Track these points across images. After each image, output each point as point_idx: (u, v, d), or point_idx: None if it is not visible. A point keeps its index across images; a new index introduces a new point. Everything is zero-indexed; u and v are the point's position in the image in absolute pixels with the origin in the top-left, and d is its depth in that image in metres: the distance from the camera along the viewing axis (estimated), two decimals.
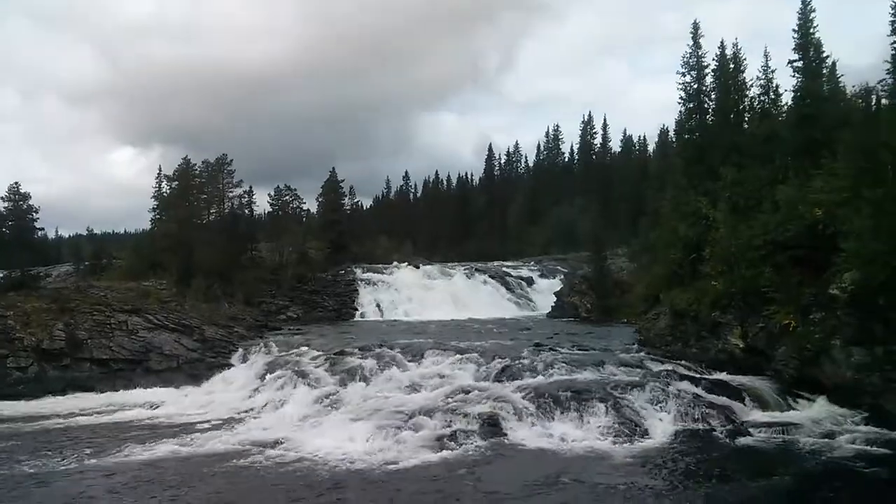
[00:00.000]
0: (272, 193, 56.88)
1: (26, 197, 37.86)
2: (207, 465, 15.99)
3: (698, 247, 25.39)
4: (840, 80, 27.80)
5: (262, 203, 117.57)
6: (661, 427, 17.79)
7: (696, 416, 18.23)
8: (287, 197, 56.80)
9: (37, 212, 38.10)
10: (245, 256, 49.92)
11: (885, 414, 17.27)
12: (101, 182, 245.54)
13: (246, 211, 52.97)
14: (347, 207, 62.72)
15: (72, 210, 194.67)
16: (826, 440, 16.35)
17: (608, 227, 63.51)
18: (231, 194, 50.94)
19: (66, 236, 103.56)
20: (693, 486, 13.65)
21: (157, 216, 51.93)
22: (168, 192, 51.18)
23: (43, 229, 42.05)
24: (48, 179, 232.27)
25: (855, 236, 17.66)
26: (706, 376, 21.20)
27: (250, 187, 53.25)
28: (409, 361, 24.58)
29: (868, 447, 15.69)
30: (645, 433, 17.45)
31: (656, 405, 18.78)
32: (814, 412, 18.58)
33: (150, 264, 47.95)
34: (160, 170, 53.92)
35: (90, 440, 18.74)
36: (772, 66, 26.76)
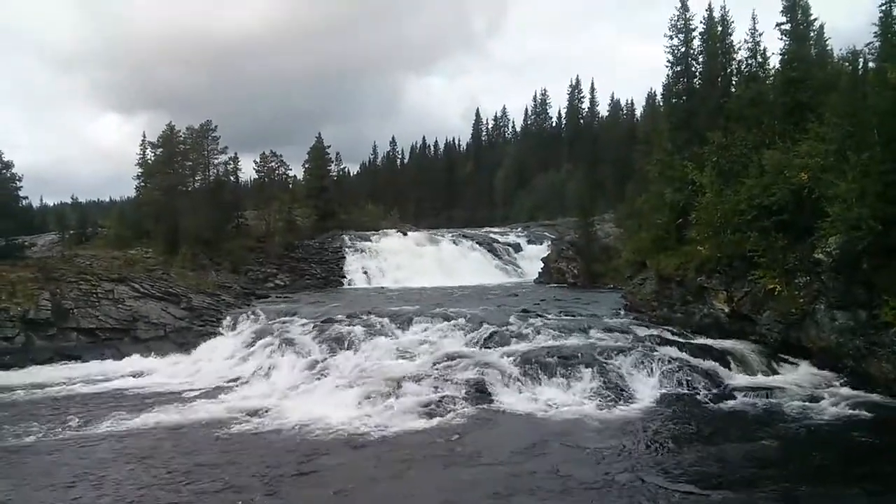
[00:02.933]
0: (258, 160, 56.36)
1: (9, 165, 37.18)
2: (195, 433, 15.99)
3: (684, 211, 25.32)
4: (827, 43, 27.53)
5: (247, 170, 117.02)
6: (647, 391, 17.94)
7: (682, 381, 18.34)
8: (273, 163, 56.27)
9: (20, 180, 37.49)
10: (231, 224, 49.53)
11: (867, 377, 17.41)
12: (86, 149, 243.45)
13: (231, 178, 52.38)
14: (334, 174, 62.13)
15: (56, 178, 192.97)
16: (810, 404, 16.48)
17: (596, 193, 63.42)
18: (216, 161, 50.29)
19: (51, 204, 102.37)
20: (678, 448, 13.74)
21: (142, 184, 51.34)
22: (152, 159, 50.55)
23: (27, 198, 41.38)
24: (31, 146, 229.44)
25: (840, 201, 17.61)
26: (691, 341, 21.32)
27: (235, 154, 52.77)
28: (397, 329, 24.60)
29: (851, 410, 15.82)
30: (630, 397, 17.59)
31: (642, 370, 18.89)
32: (797, 376, 18.72)
33: (135, 233, 47.59)
34: (144, 136, 53.29)
35: (77, 410, 18.67)
36: (759, 28, 26.45)
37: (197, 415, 17.68)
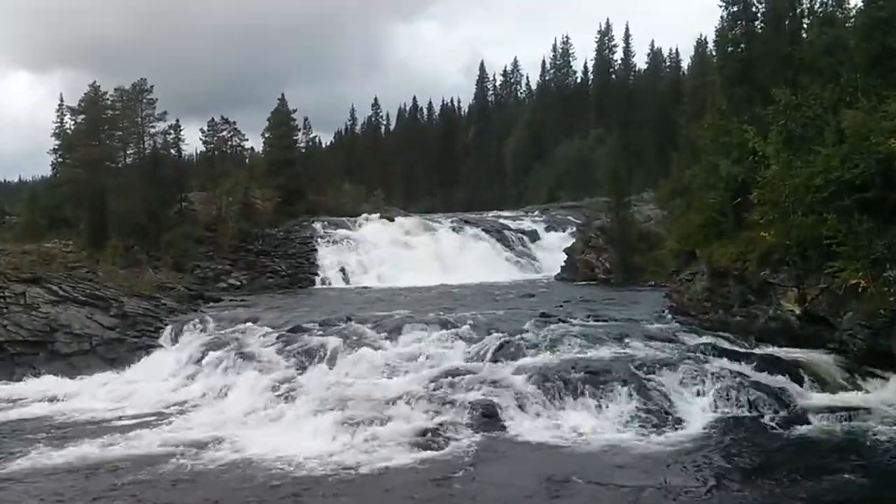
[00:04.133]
0: (205, 128, 56.30)
1: None
2: (130, 472, 15.90)
3: (744, 188, 25.24)
4: None
5: (192, 141, 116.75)
6: (698, 414, 17.99)
7: (741, 401, 18.36)
8: (224, 132, 56.18)
9: None
10: (173, 209, 49.61)
11: None
12: None
13: (172, 151, 52.47)
14: (302, 145, 62.22)
15: None
16: None
17: (632, 166, 63.59)
18: (153, 130, 50.48)
19: None
20: (738, 487, 13.73)
21: (60, 159, 51.25)
22: (73, 128, 50.44)
23: None
24: None
25: None
26: (754, 351, 21.40)
27: (177, 121, 52.73)
28: (384, 339, 24.66)
29: None
30: (677, 422, 17.62)
31: (691, 388, 18.98)
32: (888, 393, 18.74)
33: (52, 221, 47.51)
34: (62, 99, 53.21)
35: None
36: None
37: (132, 449, 17.63)
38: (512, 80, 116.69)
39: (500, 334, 23.50)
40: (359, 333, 25.15)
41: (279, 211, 54.82)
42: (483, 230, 55.45)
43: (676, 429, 17.28)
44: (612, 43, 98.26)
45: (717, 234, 26.75)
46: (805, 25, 28.02)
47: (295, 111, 60.53)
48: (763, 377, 19.31)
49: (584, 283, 43.29)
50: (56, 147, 51.33)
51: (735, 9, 29.60)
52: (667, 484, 13.91)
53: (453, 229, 54.99)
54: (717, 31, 31.73)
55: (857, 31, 24.93)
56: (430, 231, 54.39)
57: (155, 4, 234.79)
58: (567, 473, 14.63)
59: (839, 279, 20.50)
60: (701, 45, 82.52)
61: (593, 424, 17.59)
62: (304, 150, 62.82)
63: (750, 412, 18.03)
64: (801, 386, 19.12)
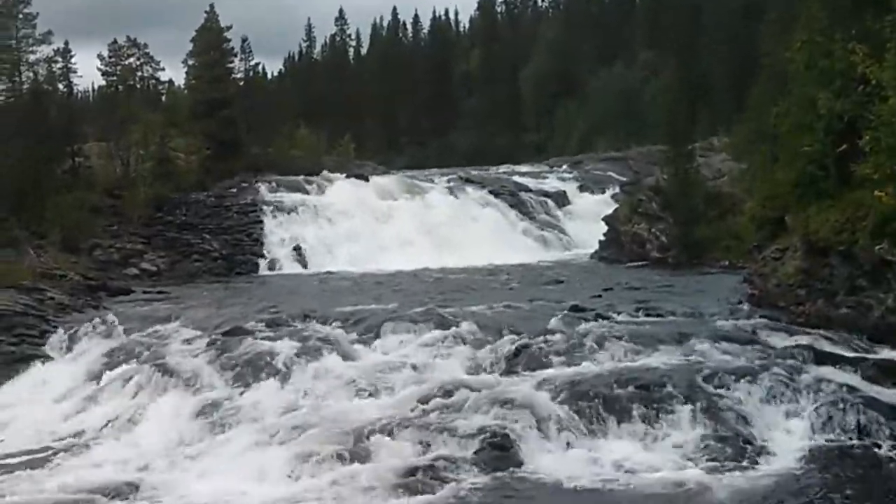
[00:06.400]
0: (105, 55, 56.25)
1: None
2: None
3: (852, 130, 25.21)
4: None
5: (88, 72, 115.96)
6: (791, 443, 17.92)
7: (849, 424, 18.26)
8: (132, 59, 56.02)
9: None
10: (62, 167, 49.35)
11: None
12: None
13: (60, 86, 52.25)
14: (239, 76, 62.02)
15: None
16: None
17: (696, 102, 63.27)
18: (32, 57, 50.21)
19: None
20: None
21: None
22: None
23: None
24: None
25: None
26: (866, 355, 21.32)
27: (66, 44, 52.88)
28: (356, 343, 24.68)
29: None
30: (761, 454, 17.53)
31: (780, 407, 18.92)
32: None
33: None
34: None
35: None
36: None
37: (9, 496, 17.52)
38: None
39: (516, 336, 23.43)
40: (321, 336, 24.99)
41: (209, 169, 54.65)
42: (491, 192, 55.24)
43: (759, 463, 17.18)
44: None
45: (816, 194, 26.67)
46: None
47: (229, 28, 60.31)
48: (878, 391, 19.21)
49: (631, 264, 43.32)
50: None
51: None
52: None
53: (450, 191, 54.78)
54: None
55: None
56: (418, 194, 54.16)
57: None
58: None
59: None
60: None
61: (644, 458, 17.51)
62: (242, 84, 62.63)
63: (860, 439, 17.92)
64: None
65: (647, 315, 26.22)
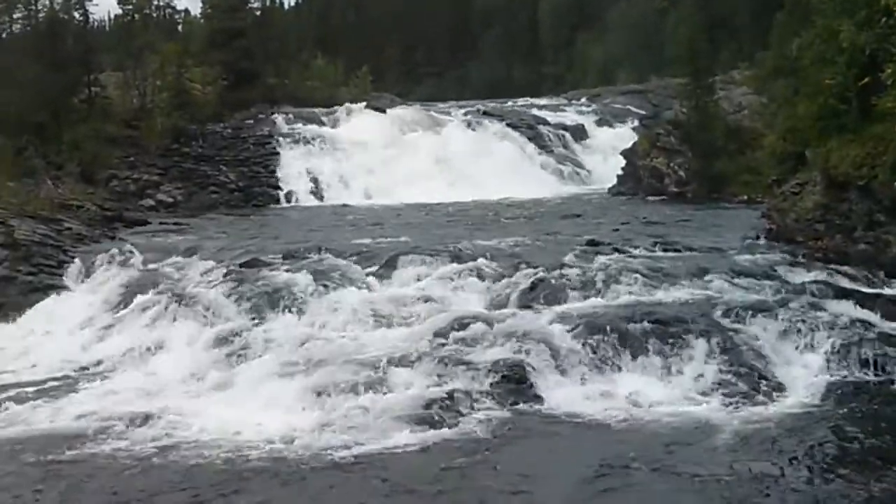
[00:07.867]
0: None
1: None
2: (24, 456, 15.97)
3: (874, 63, 24.94)
4: None
5: (104, 1, 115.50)
6: (804, 379, 17.93)
7: (867, 359, 18.26)
8: None
9: None
10: (79, 97, 49.35)
11: None
12: None
13: (76, 15, 52.00)
14: (256, 5, 61.62)
15: None
16: None
17: (717, 33, 62.74)
18: None
19: None
20: (857, 478, 13.67)
21: None
22: None
23: None
24: None
25: None
26: (883, 291, 21.38)
27: None
28: (371, 276, 24.69)
29: None
30: (776, 390, 17.57)
31: (796, 342, 18.93)
32: None
33: None
34: None
35: None
36: None
37: (29, 427, 17.64)
38: None
39: (533, 270, 23.37)
40: (337, 269, 25.00)
41: (225, 100, 54.59)
42: (509, 125, 55.04)
43: (774, 399, 17.21)
44: None
45: (837, 128, 26.46)
46: None
47: None
48: (895, 327, 19.27)
49: (649, 198, 43.27)
50: None
51: None
52: (759, 474, 13.85)
53: (468, 124, 54.61)
54: None
55: None
56: (436, 127, 53.98)
57: None
58: (623, 459, 14.55)
59: None
60: None
61: (660, 393, 17.60)
62: (259, 14, 62.25)
63: (876, 375, 17.98)
64: None
65: (665, 250, 26.15)
